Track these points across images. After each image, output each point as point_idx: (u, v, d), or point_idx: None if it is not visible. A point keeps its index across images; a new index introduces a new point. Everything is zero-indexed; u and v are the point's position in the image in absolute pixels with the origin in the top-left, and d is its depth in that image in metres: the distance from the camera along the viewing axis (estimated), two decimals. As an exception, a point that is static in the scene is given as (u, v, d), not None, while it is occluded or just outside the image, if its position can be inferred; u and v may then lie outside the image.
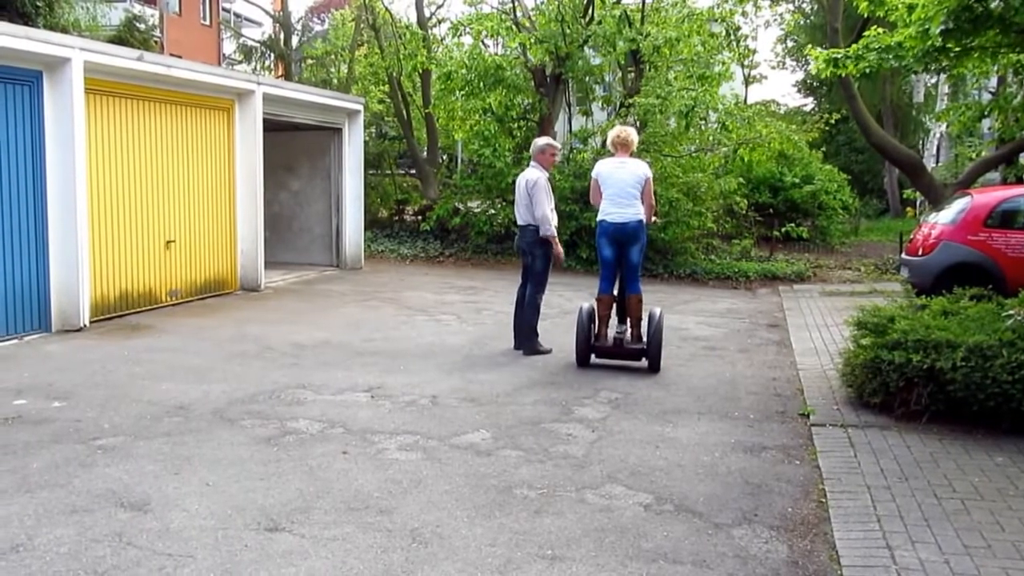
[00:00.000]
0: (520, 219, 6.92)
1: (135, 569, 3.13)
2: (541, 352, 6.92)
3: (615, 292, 6.56)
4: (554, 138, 13.85)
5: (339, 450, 4.48)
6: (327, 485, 3.99)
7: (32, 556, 3.22)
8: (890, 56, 6.89)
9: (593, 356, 6.58)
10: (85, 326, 7.59)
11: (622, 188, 6.37)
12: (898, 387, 4.97)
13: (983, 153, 15.50)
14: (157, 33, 24.54)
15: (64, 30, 13.48)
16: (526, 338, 6.98)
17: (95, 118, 7.84)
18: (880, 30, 7.24)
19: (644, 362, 6.49)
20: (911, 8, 6.12)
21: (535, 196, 6.72)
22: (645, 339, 6.43)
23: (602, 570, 3.22)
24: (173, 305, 8.94)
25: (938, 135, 20.77)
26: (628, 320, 6.55)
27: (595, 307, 6.53)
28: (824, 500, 3.93)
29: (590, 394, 5.75)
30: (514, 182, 11.76)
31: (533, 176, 6.82)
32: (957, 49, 6.14)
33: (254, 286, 10.18)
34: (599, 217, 6.50)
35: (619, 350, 6.51)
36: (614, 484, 4.09)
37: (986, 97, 18.26)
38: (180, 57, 15.73)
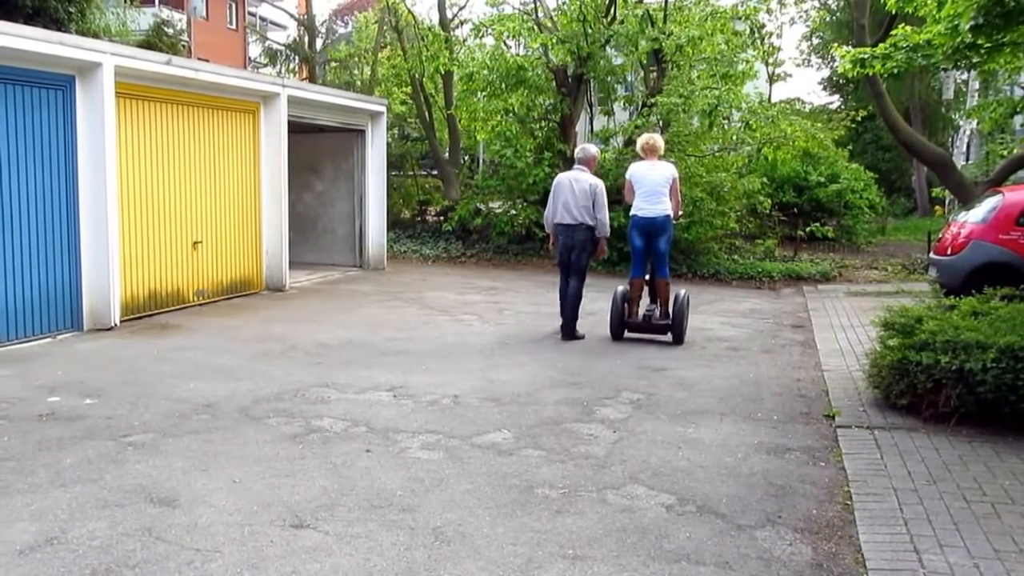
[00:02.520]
0: (572, 219, 7.38)
1: (164, 563, 3.20)
2: (578, 337, 7.58)
3: (646, 276, 7.46)
4: (575, 138, 13.88)
5: (362, 448, 4.52)
6: (351, 483, 4.03)
7: (66, 549, 3.30)
8: (918, 55, 6.78)
9: (626, 331, 7.53)
10: (116, 325, 7.74)
11: (653, 187, 7.26)
12: (926, 389, 4.90)
13: (1015, 150, 15.19)
14: (185, 37, 24.88)
15: (95, 35, 13.73)
16: (571, 324, 7.60)
17: (125, 121, 7.99)
18: (908, 28, 7.14)
19: (669, 336, 7.42)
20: (940, 4, 6.02)
21: (600, 199, 7.38)
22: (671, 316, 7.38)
23: (624, 570, 3.22)
24: (200, 305, 9.08)
25: (968, 132, 20.39)
26: (657, 300, 7.47)
27: (628, 289, 7.49)
28: (849, 502, 3.89)
29: (611, 394, 5.74)
30: (535, 182, 12.17)
31: (596, 181, 7.48)
32: (988, 45, 6.03)
33: (279, 286, 10.30)
34: (632, 212, 7.36)
35: (648, 325, 7.45)
36: (636, 484, 4.08)
37: (1018, 93, 17.90)
38: (207, 61, 15.95)
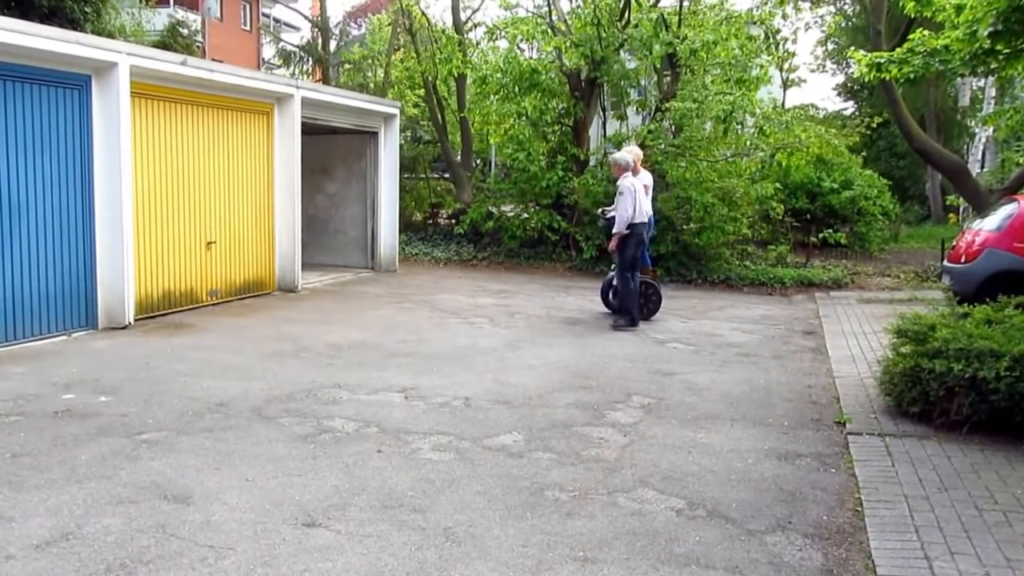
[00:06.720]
0: (646, 216, 8.64)
1: (178, 559, 3.23)
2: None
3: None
4: (588, 143, 13.88)
5: (374, 449, 4.55)
6: (362, 483, 4.06)
7: (82, 544, 3.34)
8: (935, 60, 6.74)
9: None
10: (130, 324, 7.81)
11: (645, 194, 8.55)
12: (938, 396, 4.88)
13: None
14: (199, 38, 25.08)
15: (111, 35, 13.85)
16: (625, 309, 8.60)
17: (140, 121, 8.07)
18: (925, 32, 7.10)
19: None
20: (959, 8, 5.98)
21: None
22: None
23: (634, 573, 3.23)
24: (213, 305, 9.14)
25: (984, 139, 20.25)
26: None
27: (642, 277, 8.80)
28: (860, 509, 3.88)
29: (622, 398, 5.75)
30: (547, 186, 12.87)
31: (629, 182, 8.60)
32: (1006, 51, 5.98)
33: (291, 287, 10.36)
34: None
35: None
36: (646, 488, 4.09)
37: (1034, 100, 17.74)
38: (221, 62, 16.07)
